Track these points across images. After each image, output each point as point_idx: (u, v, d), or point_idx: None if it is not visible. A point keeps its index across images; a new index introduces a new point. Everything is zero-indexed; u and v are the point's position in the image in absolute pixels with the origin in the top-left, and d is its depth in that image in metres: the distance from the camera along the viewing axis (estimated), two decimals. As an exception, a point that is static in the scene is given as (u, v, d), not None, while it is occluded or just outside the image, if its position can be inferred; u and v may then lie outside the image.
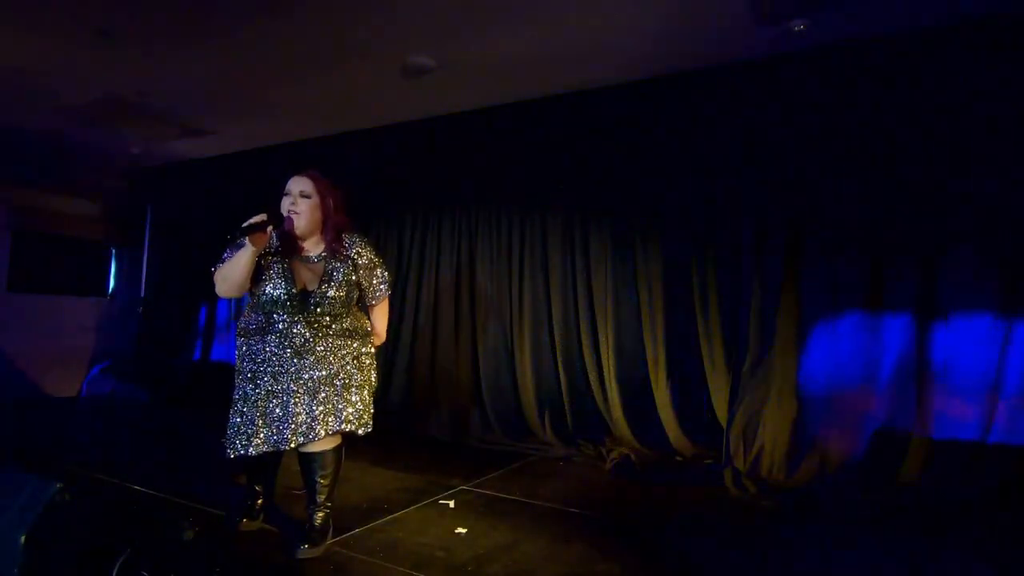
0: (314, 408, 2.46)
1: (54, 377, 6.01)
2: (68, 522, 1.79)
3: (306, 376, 2.48)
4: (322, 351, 2.51)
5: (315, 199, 2.52)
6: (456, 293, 5.05)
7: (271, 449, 2.46)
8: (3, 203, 5.82)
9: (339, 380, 2.52)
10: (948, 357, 3.27)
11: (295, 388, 2.47)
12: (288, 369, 2.48)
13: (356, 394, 2.55)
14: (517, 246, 4.78)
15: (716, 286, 4.01)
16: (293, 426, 2.44)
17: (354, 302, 2.66)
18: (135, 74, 4.06)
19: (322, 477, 2.54)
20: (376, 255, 2.72)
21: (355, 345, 2.60)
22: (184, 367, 6.35)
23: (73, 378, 6.17)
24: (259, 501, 2.76)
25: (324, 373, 2.49)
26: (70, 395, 6.04)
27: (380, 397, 4.99)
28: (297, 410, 2.46)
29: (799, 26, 3.24)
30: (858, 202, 3.52)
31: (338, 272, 2.55)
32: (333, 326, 2.55)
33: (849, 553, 2.61)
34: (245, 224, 2.30)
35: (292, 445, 2.44)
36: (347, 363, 2.55)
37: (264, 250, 2.45)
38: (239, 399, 2.53)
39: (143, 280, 6.88)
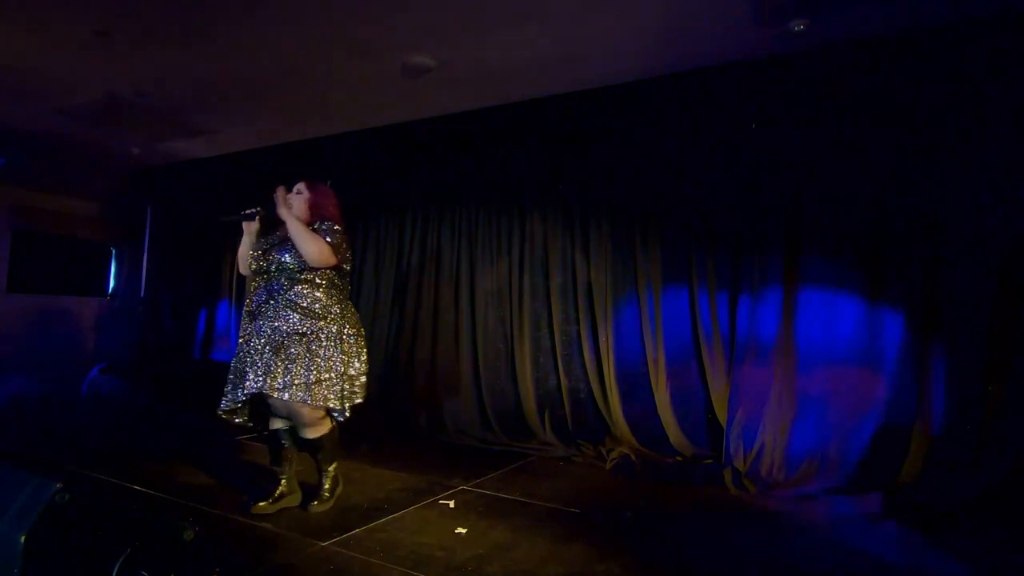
0: (261, 367, 2.76)
1: (54, 377, 6.01)
2: (68, 522, 1.79)
3: (255, 335, 2.81)
4: (271, 315, 2.80)
5: (305, 195, 3.01)
6: (456, 293, 5.05)
7: (233, 404, 2.80)
8: (3, 203, 5.82)
9: (279, 345, 2.76)
10: (948, 356, 3.27)
11: (253, 345, 2.81)
12: (247, 332, 2.86)
13: (291, 363, 2.74)
14: (517, 246, 4.78)
15: (716, 286, 4.01)
16: (249, 381, 2.76)
17: (320, 281, 2.86)
18: (135, 74, 4.06)
19: (320, 456, 2.97)
20: (340, 234, 2.91)
21: (306, 323, 2.79)
22: (184, 366, 6.35)
23: (73, 378, 6.16)
24: (279, 489, 2.95)
25: (268, 335, 2.78)
26: (70, 395, 6.03)
27: (380, 396, 5.00)
28: (254, 364, 2.78)
29: (799, 26, 3.24)
30: (858, 201, 3.53)
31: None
32: (284, 293, 2.81)
33: (849, 553, 2.61)
34: (242, 212, 3.00)
35: (243, 397, 2.78)
36: (300, 332, 2.77)
37: (268, 234, 2.99)
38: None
39: (143, 280, 6.88)
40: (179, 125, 5.07)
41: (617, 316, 4.38)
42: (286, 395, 2.71)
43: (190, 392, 5.91)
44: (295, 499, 2.98)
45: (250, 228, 3.01)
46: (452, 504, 3.13)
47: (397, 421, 4.87)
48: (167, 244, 6.79)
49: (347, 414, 2.87)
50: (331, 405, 2.80)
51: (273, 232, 3.03)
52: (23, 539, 1.70)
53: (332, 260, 2.83)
